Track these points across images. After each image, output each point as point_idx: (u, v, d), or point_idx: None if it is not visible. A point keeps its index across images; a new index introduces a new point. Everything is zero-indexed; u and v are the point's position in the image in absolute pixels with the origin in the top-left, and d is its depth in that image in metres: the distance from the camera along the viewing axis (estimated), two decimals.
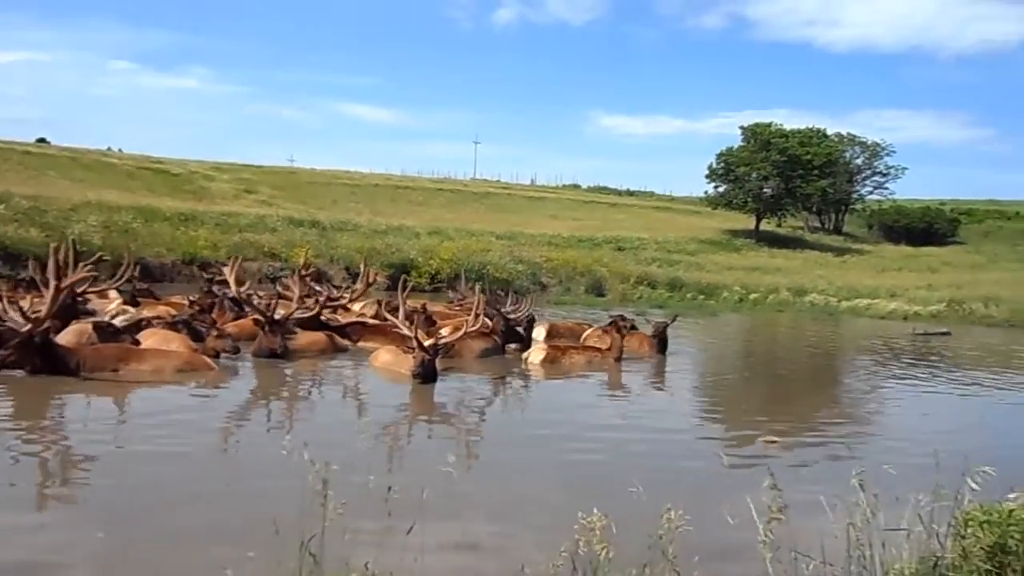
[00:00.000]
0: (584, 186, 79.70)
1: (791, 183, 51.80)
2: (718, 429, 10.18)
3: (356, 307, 15.92)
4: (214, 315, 13.42)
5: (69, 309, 11.15)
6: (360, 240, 28.60)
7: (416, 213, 41.86)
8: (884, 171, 63.37)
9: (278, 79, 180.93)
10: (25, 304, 9.84)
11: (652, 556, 3.63)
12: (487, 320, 13.45)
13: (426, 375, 10.62)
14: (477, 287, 15.94)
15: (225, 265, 16.15)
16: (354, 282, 15.65)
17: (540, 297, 17.25)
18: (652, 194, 78.36)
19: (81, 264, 11.22)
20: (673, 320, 15.46)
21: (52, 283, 9.63)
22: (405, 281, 13.95)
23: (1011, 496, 3.88)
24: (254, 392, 10.31)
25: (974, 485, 3.85)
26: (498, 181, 75.17)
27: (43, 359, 9.39)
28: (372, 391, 10.62)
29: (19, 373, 9.31)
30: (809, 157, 52.03)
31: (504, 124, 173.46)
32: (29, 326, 9.30)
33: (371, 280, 15.74)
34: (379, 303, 16.08)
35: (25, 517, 5.40)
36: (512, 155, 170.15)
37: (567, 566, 3.68)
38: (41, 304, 9.73)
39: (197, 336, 11.72)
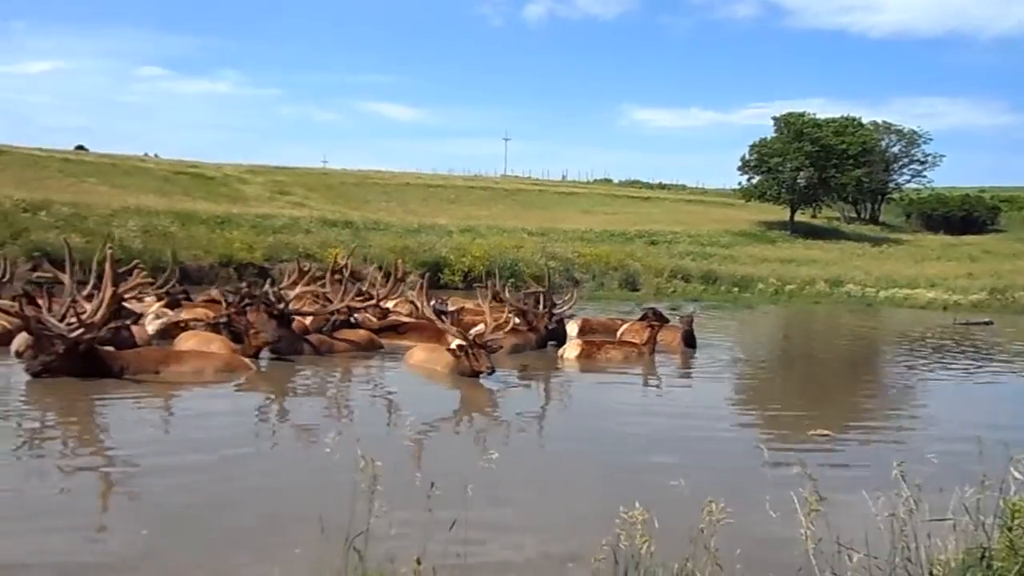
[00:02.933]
0: (616, 180, 79.40)
1: (825, 173, 51.05)
2: (758, 421, 10.13)
3: (389, 305, 16.03)
4: (250, 316, 13.59)
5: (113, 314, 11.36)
6: (393, 239, 28.80)
7: (448, 211, 42.00)
8: (922, 159, 62.32)
9: (309, 81, 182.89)
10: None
11: (694, 550, 3.63)
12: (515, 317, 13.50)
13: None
14: (490, 284, 15.84)
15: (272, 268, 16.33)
16: (388, 281, 15.71)
17: (575, 293, 17.26)
18: (684, 187, 77.80)
19: (136, 269, 11.48)
20: (690, 318, 15.26)
21: (108, 288, 9.77)
22: (433, 278, 14.02)
23: None
24: (293, 391, 10.45)
25: (1018, 475, 3.80)
26: (529, 177, 75.15)
27: (87, 364, 9.58)
28: (409, 388, 10.71)
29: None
30: (844, 146, 51.23)
31: (534, 120, 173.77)
32: (81, 331, 9.49)
33: (400, 276, 15.83)
34: (411, 302, 16.19)
35: (77, 520, 5.53)
36: (543, 151, 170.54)
37: (609, 560, 3.70)
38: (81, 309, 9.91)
39: (236, 337, 11.91)
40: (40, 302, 10.14)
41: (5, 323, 11.61)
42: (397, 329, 14.17)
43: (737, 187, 56.49)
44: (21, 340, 10.70)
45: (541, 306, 14.40)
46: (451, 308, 14.61)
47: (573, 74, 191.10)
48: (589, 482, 6.80)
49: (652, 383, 12.13)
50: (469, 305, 15.95)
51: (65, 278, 10.73)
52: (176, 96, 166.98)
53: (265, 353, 11.68)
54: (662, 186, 76.75)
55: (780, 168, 51.13)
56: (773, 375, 13.99)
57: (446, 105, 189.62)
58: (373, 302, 15.06)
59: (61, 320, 9.61)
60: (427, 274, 15.49)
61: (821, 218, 57.85)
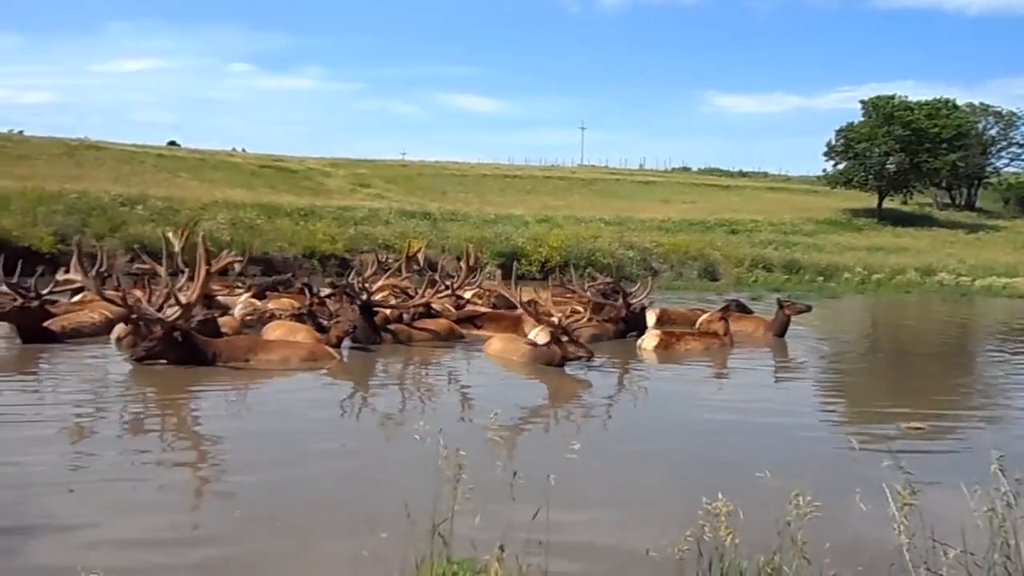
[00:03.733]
0: (695, 168, 78.11)
1: (917, 158, 49.06)
2: (845, 413, 9.86)
3: (467, 295, 16.15)
4: (332, 306, 13.93)
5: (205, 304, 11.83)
6: (470, 230, 29.05)
7: (524, 201, 42.12)
8: (1021, 142, 59.24)
9: (388, 74, 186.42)
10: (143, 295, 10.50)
11: (780, 543, 3.58)
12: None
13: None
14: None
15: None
16: (468, 271, 15.83)
17: (651, 282, 17.10)
18: (766, 174, 75.97)
19: (226, 251, 11.95)
20: (793, 305, 14.98)
21: (202, 268, 10.19)
22: (509, 269, 14.08)
23: None
24: (375, 380, 10.68)
25: None
26: (606, 167, 74.64)
27: (184, 349, 10.00)
28: (489, 378, 10.81)
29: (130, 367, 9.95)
30: (937, 130, 49.09)
31: (611, 109, 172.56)
32: (178, 311, 9.93)
33: (472, 264, 15.89)
34: (488, 291, 16.31)
35: (173, 502, 5.79)
36: (620, 140, 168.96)
37: (692, 551, 3.67)
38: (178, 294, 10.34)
39: (320, 327, 12.23)
40: (140, 292, 10.62)
41: (107, 312, 12.23)
42: (474, 320, 14.28)
43: (822, 174, 54.87)
44: (121, 328, 11.26)
45: (617, 296, 14.32)
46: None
47: (651, 61, 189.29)
48: (670, 473, 6.75)
49: (733, 374, 11.90)
50: (543, 295, 15.85)
51: (161, 269, 11.24)
52: (263, 92, 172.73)
53: (346, 342, 11.95)
54: (743, 174, 75.09)
55: (868, 153, 49.41)
56: (861, 367, 13.56)
57: (523, 95, 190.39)
58: (449, 292, 15.19)
59: (159, 309, 10.06)
60: (505, 263, 15.54)
61: (912, 204, 55.60)
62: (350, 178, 45.62)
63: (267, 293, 15.38)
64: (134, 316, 10.25)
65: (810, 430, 8.65)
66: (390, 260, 18.42)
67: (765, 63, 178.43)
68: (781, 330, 14.67)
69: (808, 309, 15.20)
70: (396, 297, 13.99)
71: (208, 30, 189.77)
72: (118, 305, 10.32)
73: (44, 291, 11.56)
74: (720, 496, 3.57)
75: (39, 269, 12.75)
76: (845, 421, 9.36)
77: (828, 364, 13.60)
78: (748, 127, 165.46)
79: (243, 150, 56.59)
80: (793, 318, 14.73)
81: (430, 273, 15.55)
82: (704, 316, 15.24)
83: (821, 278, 29.69)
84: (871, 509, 3.75)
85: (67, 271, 12.58)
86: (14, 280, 11.42)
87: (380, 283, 14.04)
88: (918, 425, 8.38)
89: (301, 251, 24.84)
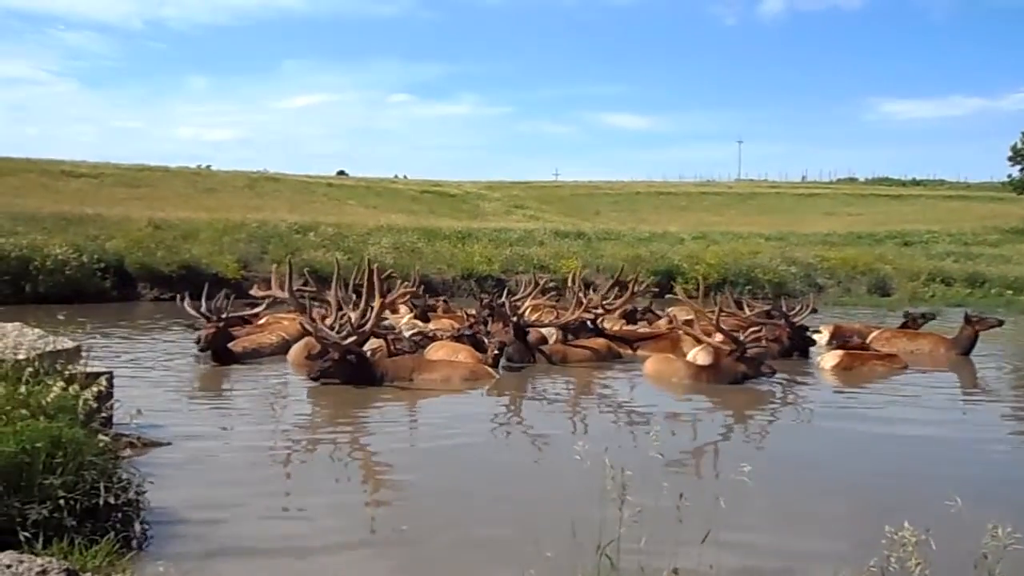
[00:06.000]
0: (862, 179, 74.24)
1: None
2: None
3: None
4: (491, 326, 14.23)
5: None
6: (624, 248, 28.82)
7: (680, 218, 41.40)
8: None
9: (540, 96, 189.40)
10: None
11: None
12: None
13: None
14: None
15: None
16: (621, 290, 15.68)
17: (816, 299, 16.29)
18: (943, 182, 71.02)
19: (400, 282, 12.61)
20: (981, 319, 13.88)
21: (377, 299, 10.78)
22: (666, 287, 13.85)
23: None
24: (534, 399, 10.80)
25: None
26: (765, 180, 72.25)
27: (356, 371, 10.56)
28: (647, 399, 10.67)
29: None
30: None
31: (770, 121, 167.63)
32: (354, 338, 10.52)
33: (634, 287, 15.58)
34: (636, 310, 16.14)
35: (343, 529, 6.06)
36: (779, 152, 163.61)
37: None
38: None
39: (479, 347, 12.54)
40: (315, 315, 11.31)
41: (284, 334, 13.11)
42: (629, 340, 14.13)
43: (1007, 179, 50.62)
44: (297, 351, 12.05)
45: (779, 316, 13.77)
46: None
47: (811, 70, 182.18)
48: (847, 499, 6.40)
49: (916, 394, 11.09)
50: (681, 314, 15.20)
51: (330, 294, 11.92)
52: (422, 120, 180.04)
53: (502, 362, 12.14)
54: (916, 182, 70.57)
55: None
56: None
57: (677, 111, 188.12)
58: (601, 311, 15.01)
59: (336, 331, 10.69)
60: (661, 281, 15.31)
61: None
62: (505, 200, 46.58)
63: (429, 314, 15.93)
64: (315, 337, 10.90)
65: (1004, 455, 7.97)
66: (546, 281, 18.55)
67: (939, 65, 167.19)
68: (967, 348, 13.59)
69: (1000, 324, 14.01)
70: (552, 316, 14.13)
71: (370, 64, 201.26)
72: (305, 328, 11.03)
73: (224, 313, 12.50)
74: (906, 523, 3.34)
75: (224, 292, 13.82)
76: None
77: (1021, 385, 12.45)
78: (920, 133, 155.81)
79: (405, 177, 59.17)
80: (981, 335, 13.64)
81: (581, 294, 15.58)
82: (875, 333, 14.42)
83: (1010, 292, 27.21)
84: None
85: (261, 288, 13.61)
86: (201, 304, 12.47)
87: (530, 302, 14.24)
88: None
89: (459, 273, 25.54)
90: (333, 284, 11.75)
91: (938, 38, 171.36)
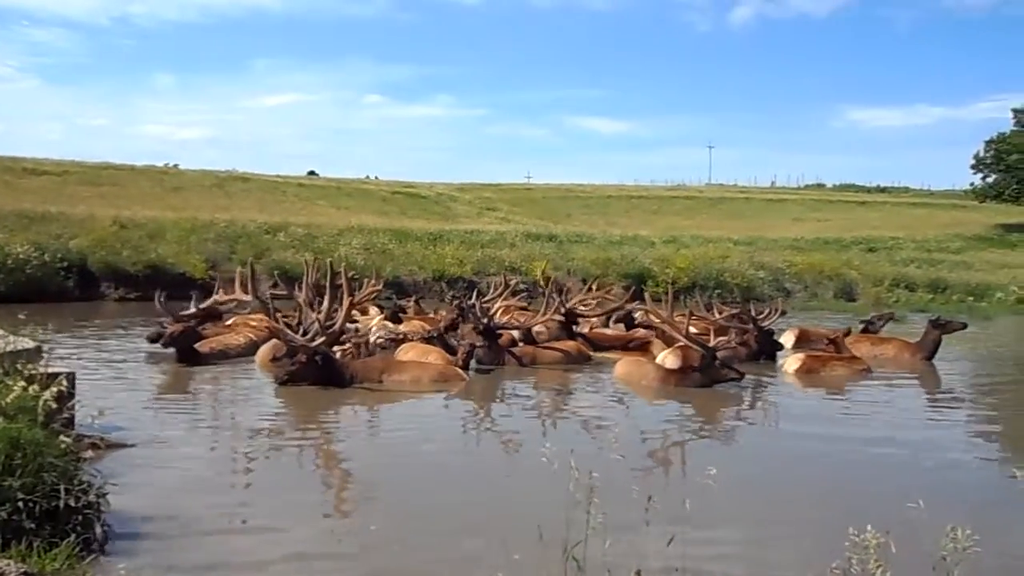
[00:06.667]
0: (829, 185, 75.10)
1: None
2: (1002, 444, 9.17)
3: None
4: (461, 329, 14.20)
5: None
6: (595, 252, 28.93)
7: (651, 222, 41.64)
8: None
9: (514, 99, 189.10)
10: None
11: None
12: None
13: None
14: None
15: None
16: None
17: (784, 303, 16.47)
18: (907, 189, 72.14)
19: (368, 281, 12.56)
20: (942, 322, 14.10)
21: (346, 300, 10.70)
22: (637, 290, 13.95)
23: None
24: (503, 401, 10.79)
25: None
26: (735, 185, 72.84)
27: (324, 372, 10.47)
28: (617, 401, 10.73)
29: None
30: None
31: (740, 127, 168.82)
32: (322, 339, 10.42)
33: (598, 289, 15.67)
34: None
35: (312, 518, 6.03)
36: (749, 158, 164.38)
37: None
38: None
39: (449, 349, 12.50)
40: (282, 316, 11.21)
41: (251, 335, 12.97)
42: (597, 342, 14.19)
43: (970, 187, 51.52)
44: (264, 353, 11.93)
45: (747, 320, 13.90)
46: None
47: (782, 76, 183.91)
48: (811, 502, 6.48)
49: (879, 399, 11.27)
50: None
51: (300, 296, 11.82)
52: (395, 121, 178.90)
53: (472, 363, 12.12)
54: (881, 189, 71.63)
55: (1021, 165, 45.98)
56: (1018, 393, 12.57)
57: (649, 116, 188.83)
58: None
59: (303, 334, 10.58)
60: (631, 285, 15.43)
61: None
62: (477, 202, 46.50)
63: (399, 316, 15.86)
64: (281, 340, 10.79)
65: (965, 459, 8.11)
66: (516, 283, 18.59)
67: (905, 74, 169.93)
68: (931, 352, 13.82)
69: (964, 326, 14.26)
70: (517, 319, 14.16)
71: (343, 65, 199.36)
72: (271, 330, 10.92)
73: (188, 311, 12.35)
74: (868, 527, 3.38)
75: (192, 293, 13.66)
76: (1001, 451, 8.72)
77: (982, 389, 12.67)
78: (886, 140, 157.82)
79: (376, 177, 58.76)
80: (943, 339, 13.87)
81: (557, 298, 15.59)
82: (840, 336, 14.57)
83: (971, 298, 27.73)
84: None
85: (224, 292, 13.41)
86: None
87: (499, 304, 14.25)
88: None
89: (431, 274, 25.46)
90: (304, 285, 11.66)
91: (904, 48, 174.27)
